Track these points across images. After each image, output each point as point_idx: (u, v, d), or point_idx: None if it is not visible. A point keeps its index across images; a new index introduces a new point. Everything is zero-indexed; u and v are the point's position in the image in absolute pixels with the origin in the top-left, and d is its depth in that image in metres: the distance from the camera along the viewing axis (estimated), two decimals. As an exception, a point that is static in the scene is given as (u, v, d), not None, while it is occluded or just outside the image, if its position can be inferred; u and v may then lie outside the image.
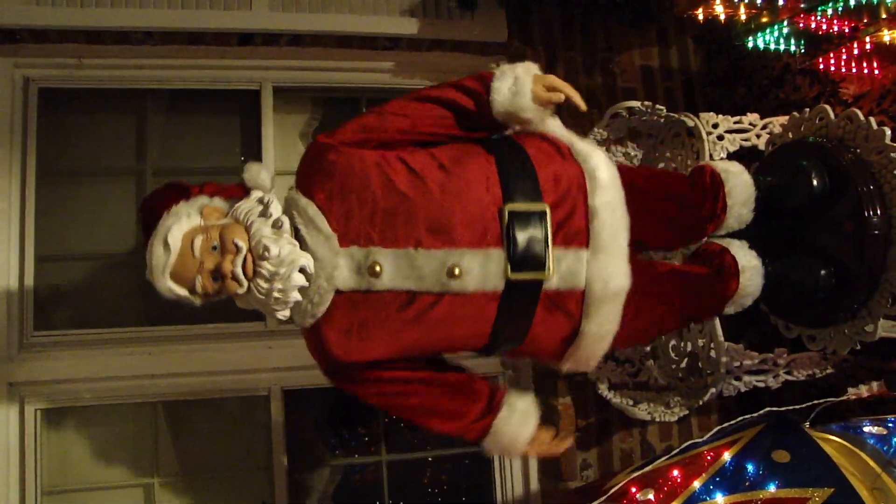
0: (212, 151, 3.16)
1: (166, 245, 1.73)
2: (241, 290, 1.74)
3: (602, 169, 1.89)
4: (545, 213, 1.80)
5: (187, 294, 1.77)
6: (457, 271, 1.73)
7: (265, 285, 1.71)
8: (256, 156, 3.03)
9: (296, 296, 1.73)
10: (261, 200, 1.78)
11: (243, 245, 1.73)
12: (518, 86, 1.85)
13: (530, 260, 1.77)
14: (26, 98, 2.85)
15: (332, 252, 1.73)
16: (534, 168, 1.85)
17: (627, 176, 1.96)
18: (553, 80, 1.88)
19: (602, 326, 1.87)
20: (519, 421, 1.95)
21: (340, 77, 3.14)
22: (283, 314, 1.77)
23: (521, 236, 1.77)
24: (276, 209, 1.77)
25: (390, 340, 1.79)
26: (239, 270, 1.72)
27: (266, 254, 1.70)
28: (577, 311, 1.85)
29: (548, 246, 1.78)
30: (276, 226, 1.74)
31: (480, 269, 1.75)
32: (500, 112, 1.86)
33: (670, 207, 2.16)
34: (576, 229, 1.83)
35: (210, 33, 2.96)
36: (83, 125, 3.03)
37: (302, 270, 1.72)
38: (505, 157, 1.87)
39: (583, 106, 1.87)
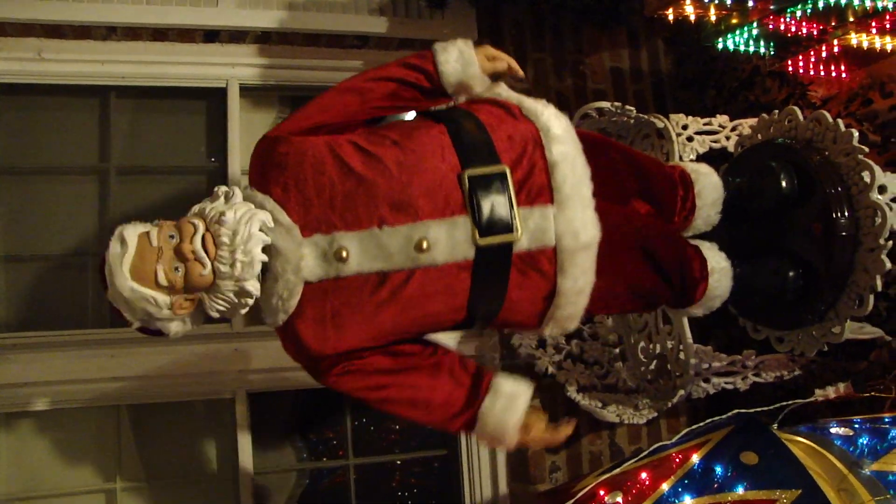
0: (177, 150, 3.10)
1: (123, 242, 1.69)
2: (204, 272, 1.68)
3: (554, 123, 1.90)
4: (505, 173, 1.79)
5: (151, 292, 1.69)
6: (424, 244, 1.72)
7: (226, 253, 1.67)
8: (222, 155, 2.98)
9: (260, 256, 1.69)
10: (225, 195, 1.76)
11: (200, 223, 1.71)
12: (465, 57, 1.92)
13: (497, 223, 1.76)
14: (-17, 93, 2.78)
15: (295, 243, 1.70)
16: (486, 131, 1.85)
17: (588, 135, 2.00)
18: (491, 50, 1.97)
19: (578, 280, 1.85)
20: (504, 406, 1.84)
21: (308, 76, 3.09)
22: (253, 285, 1.71)
23: (485, 200, 1.76)
24: (237, 197, 1.75)
25: (366, 325, 1.76)
26: (199, 246, 1.68)
27: (222, 218, 1.68)
28: (551, 270, 1.84)
29: (513, 206, 1.77)
30: (228, 197, 1.74)
31: (448, 239, 1.74)
32: (451, 83, 1.93)
33: (636, 169, 2.16)
34: (538, 186, 1.82)
35: (175, 29, 2.90)
36: (43, 122, 2.96)
37: (262, 231, 1.69)
38: (456, 124, 1.86)
39: (520, 72, 2.00)
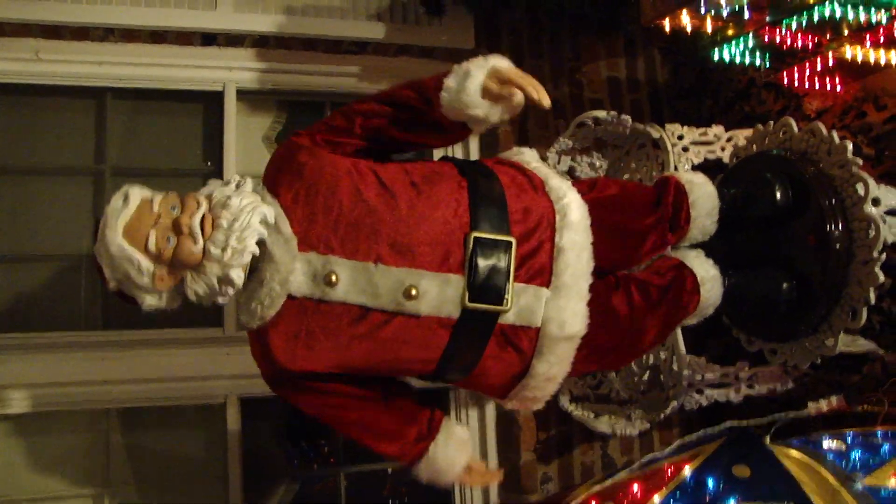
0: (173, 153, 3.10)
1: (126, 199, 1.68)
2: (195, 248, 1.66)
3: (574, 209, 1.86)
4: (511, 244, 1.76)
5: (137, 255, 1.66)
6: (413, 292, 1.69)
7: (222, 237, 1.66)
8: (218, 158, 2.98)
9: (253, 248, 1.67)
10: (237, 183, 1.76)
11: (204, 202, 1.70)
12: (466, 81, 1.74)
13: (490, 290, 1.74)
14: (-20, 93, 2.78)
15: (289, 255, 1.69)
16: (505, 198, 1.82)
17: (597, 211, 1.93)
18: (510, 73, 1.73)
19: (553, 367, 1.84)
20: (456, 448, 1.94)
21: (305, 80, 3.10)
22: (238, 275, 1.68)
23: (484, 265, 1.73)
24: (248, 187, 1.75)
25: (337, 353, 1.74)
26: (196, 223, 1.66)
27: (227, 202, 1.67)
28: (529, 350, 1.82)
29: (509, 279, 1.75)
30: (238, 185, 1.74)
31: (438, 294, 1.71)
32: (447, 109, 1.77)
33: (638, 238, 2.12)
34: (539, 266, 1.80)
35: (173, 32, 2.91)
36: (40, 122, 2.96)
37: (263, 223, 1.68)
38: (478, 183, 1.83)
39: (546, 102, 1.71)
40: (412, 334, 1.74)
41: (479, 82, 1.73)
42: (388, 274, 1.70)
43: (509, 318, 1.78)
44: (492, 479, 2.07)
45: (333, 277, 1.68)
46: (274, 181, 1.79)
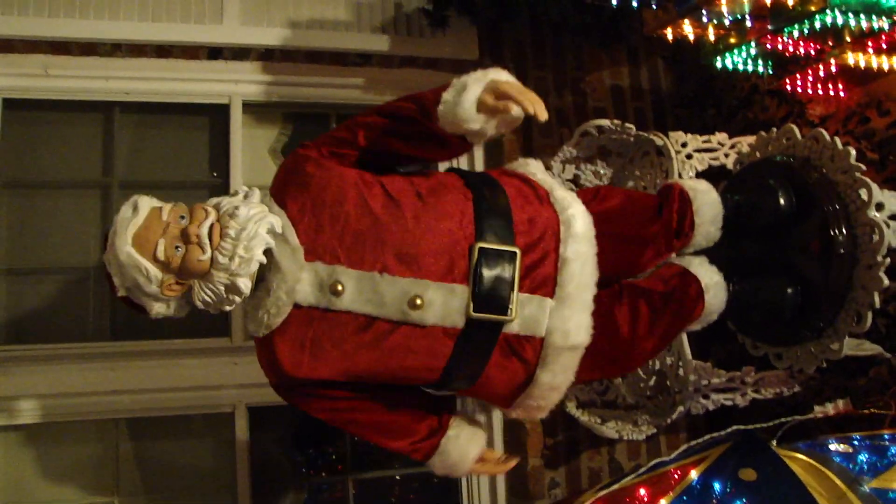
0: (180, 165, 3.13)
1: (135, 209, 1.71)
2: (203, 257, 1.68)
3: (578, 220, 1.88)
4: (515, 255, 1.78)
5: (146, 263, 1.68)
6: (419, 302, 1.71)
7: (229, 246, 1.68)
8: (225, 170, 3.00)
9: (260, 257, 1.69)
10: (245, 194, 1.78)
11: (212, 212, 1.72)
12: (462, 95, 1.71)
13: (494, 301, 1.75)
14: (-10, 108, 2.81)
15: (296, 265, 1.70)
16: (510, 209, 1.83)
17: (601, 220, 1.95)
18: (507, 87, 1.70)
19: (556, 377, 1.85)
20: (467, 439, 1.95)
21: (310, 93, 3.13)
22: (245, 284, 1.71)
23: (488, 276, 1.74)
24: (255, 197, 1.77)
25: (343, 361, 1.76)
26: (205, 232, 1.68)
27: (235, 212, 1.70)
28: (533, 359, 1.83)
29: (513, 289, 1.76)
30: (246, 196, 1.76)
31: (442, 304, 1.73)
32: (444, 122, 1.74)
33: (642, 247, 2.13)
34: (543, 276, 1.82)
35: (179, 46, 2.94)
36: (48, 137, 2.98)
37: (270, 232, 1.70)
38: (483, 194, 1.84)
39: (542, 116, 1.67)
40: (417, 343, 1.76)
41: (475, 96, 1.71)
42: (394, 284, 1.71)
43: (514, 328, 1.79)
44: (505, 468, 2.07)
45: (339, 287, 1.70)
46: (281, 192, 1.80)
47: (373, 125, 1.86)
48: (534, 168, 2.02)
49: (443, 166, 2.81)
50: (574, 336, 1.82)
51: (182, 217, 1.72)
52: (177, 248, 1.69)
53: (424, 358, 1.78)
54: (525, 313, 1.79)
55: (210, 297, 1.74)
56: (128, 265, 1.69)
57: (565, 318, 1.81)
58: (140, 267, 1.69)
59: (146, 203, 1.73)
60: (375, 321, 1.73)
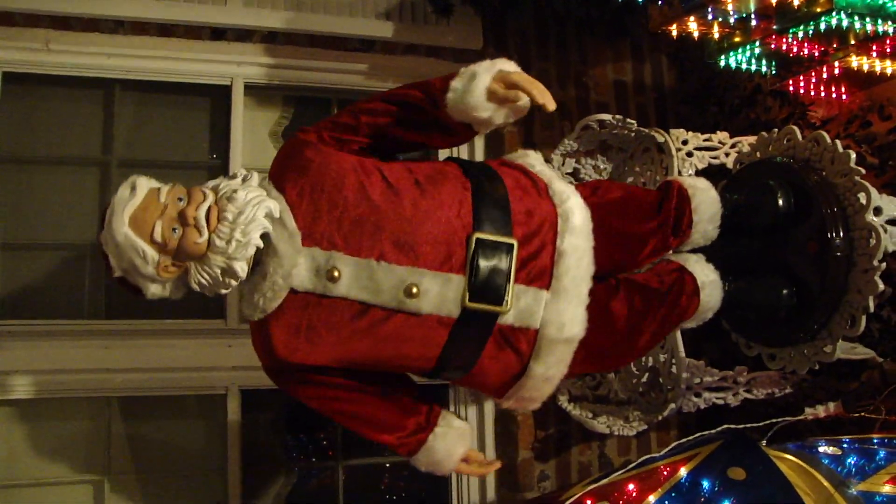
0: (179, 146, 3.12)
1: (133, 189, 1.70)
2: (199, 240, 1.68)
3: (576, 213, 1.88)
4: (513, 246, 1.78)
5: (143, 244, 1.68)
6: (414, 290, 1.71)
7: (227, 229, 1.68)
8: (225, 152, 2.99)
9: (257, 241, 1.69)
10: (243, 177, 1.78)
11: (210, 195, 1.72)
12: (471, 83, 1.75)
13: (490, 291, 1.76)
14: (-10, 82, 2.79)
15: (293, 250, 1.71)
16: (508, 200, 1.84)
17: (599, 214, 1.95)
18: (517, 77, 1.75)
19: (550, 369, 1.86)
20: (455, 439, 1.96)
21: (312, 77, 3.11)
22: (241, 267, 1.71)
23: (485, 266, 1.75)
24: (254, 181, 1.77)
25: (338, 347, 1.76)
26: (202, 215, 1.68)
27: (233, 195, 1.70)
28: (527, 351, 1.84)
29: (509, 280, 1.77)
30: (245, 179, 1.75)
31: (438, 293, 1.73)
32: (452, 110, 1.79)
33: (640, 242, 2.14)
34: (540, 268, 1.82)
35: (182, 26, 2.92)
36: (48, 112, 2.97)
37: (268, 217, 1.70)
38: (481, 184, 1.84)
39: (550, 106, 1.72)
40: (412, 332, 1.76)
41: (485, 85, 1.75)
42: (391, 271, 1.72)
43: (508, 319, 1.80)
44: (489, 470, 2.10)
45: (336, 273, 1.70)
46: (280, 176, 1.80)
47: (376, 111, 1.86)
48: (533, 159, 2.02)
49: (442, 155, 2.82)
50: (569, 329, 1.82)
51: (180, 199, 1.71)
52: (174, 230, 1.69)
53: (419, 346, 1.79)
54: (520, 305, 1.79)
55: (206, 280, 1.74)
56: (124, 246, 1.69)
57: (560, 310, 1.81)
58: (137, 248, 1.68)
59: (144, 184, 1.73)
60: (371, 308, 1.73)
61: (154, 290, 1.77)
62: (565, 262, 1.82)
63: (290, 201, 1.74)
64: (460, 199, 1.80)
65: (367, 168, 1.80)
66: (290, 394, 1.90)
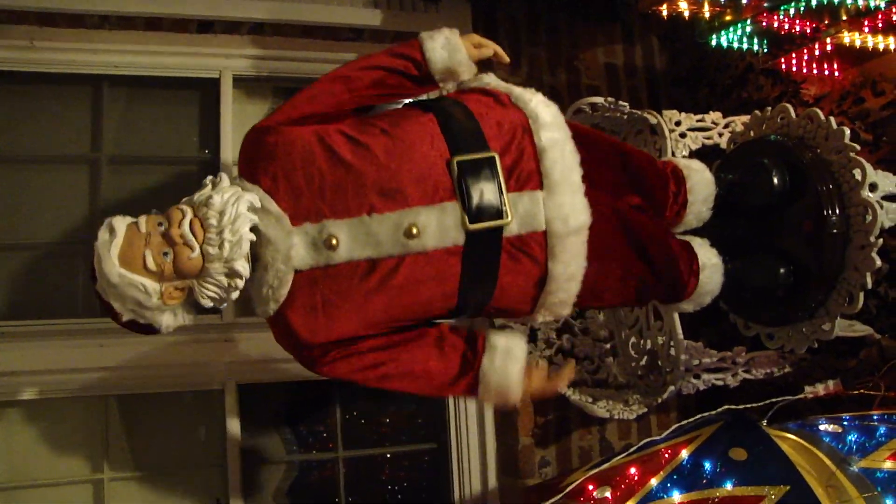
0: (169, 140, 3.09)
1: (112, 230, 1.69)
2: (192, 255, 1.68)
3: (542, 110, 1.91)
4: (494, 159, 1.80)
5: (140, 277, 1.67)
6: (414, 230, 1.73)
7: (216, 236, 1.68)
8: (215, 145, 2.97)
9: (248, 235, 1.70)
10: (213, 182, 1.77)
11: (188, 209, 1.72)
12: (452, 44, 1.95)
13: (487, 208, 1.77)
14: (-26, 80, 2.76)
15: (284, 232, 1.71)
16: (475, 119, 1.87)
17: (579, 127, 2.02)
18: (477, 37, 2.01)
19: (569, 265, 1.86)
20: (503, 360, 1.86)
21: (302, 68, 3.08)
22: (242, 265, 1.71)
23: (474, 186, 1.77)
24: (225, 182, 1.76)
25: (357, 314, 1.76)
26: (187, 230, 1.68)
27: (210, 201, 1.69)
28: (541, 254, 1.84)
29: (502, 192, 1.79)
30: (215, 184, 1.75)
31: (438, 225, 1.75)
32: (438, 70, 1.95)
33: (627, 162, 2.15)
34: (527, 172, 1.84)
35: (168, 19, 2.89)
36: (35, 110, 2.94)
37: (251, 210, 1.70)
38: (445, 113, 1.87)
39: (506, 59, 2.05)
40: (425, 272, 1.77)
41: (464, 48, 1.97)
42: (384, 220, 1.73)
43: (513, 229, 1.81)
44: (555, 385, 1.97)
45: (333, 240, 1.71)
46: (250, 169, 1.81)
47: (359, 80, 1.92)
48: (488, 79, 2.05)
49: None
50: (574, 219, 1.84)
51: (160, 224, 1.71)
52: (164, 254, 1.69)
53: (436, 285, 1.80)
54: (520, 212, 1.81)
55: (213, 291, 1.74)
56: (122, 286, 1.68)
57: (560, 204, 1.83)
58: (135, 283, 1.68)
59: (121, 221, 1.72)
60: (378, 262, 1.75)
61: (166, 320, 1.77)
62: (549, 156, 1.85)
63: (267, 189, 1.75)
64: (429, 131, 1.82)
65: (330, 134, 1.81)
66: (332, 376, 1.86)
